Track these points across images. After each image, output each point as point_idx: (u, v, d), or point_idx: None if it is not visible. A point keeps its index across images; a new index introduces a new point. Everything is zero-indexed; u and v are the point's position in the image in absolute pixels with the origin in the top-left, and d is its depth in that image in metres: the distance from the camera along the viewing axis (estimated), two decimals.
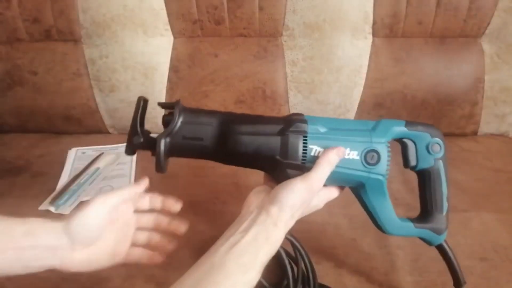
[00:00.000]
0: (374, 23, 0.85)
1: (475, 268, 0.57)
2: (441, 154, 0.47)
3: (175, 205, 0.49)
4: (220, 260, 0.36)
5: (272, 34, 0.87)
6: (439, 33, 0.87)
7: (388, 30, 0.86)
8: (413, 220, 0.49)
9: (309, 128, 0.44)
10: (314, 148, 0.43)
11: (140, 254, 0.48)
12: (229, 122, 0.44)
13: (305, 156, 0.43)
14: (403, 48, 0.88)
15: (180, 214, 0.67)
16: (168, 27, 0.87)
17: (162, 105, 0.46)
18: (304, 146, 0.43)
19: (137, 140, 0.42)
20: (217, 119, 0.44)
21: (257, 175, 0.49)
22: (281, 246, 0.53)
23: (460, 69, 0.89)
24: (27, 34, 0.86)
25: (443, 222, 0.49)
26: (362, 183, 0.45)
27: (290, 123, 0.44)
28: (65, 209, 0.68)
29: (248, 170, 0.46)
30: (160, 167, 0.41)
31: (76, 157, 0.84)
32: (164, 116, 0.44)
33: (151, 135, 0.44)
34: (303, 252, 0.54)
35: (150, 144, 0.42)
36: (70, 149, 0.87)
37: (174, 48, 0.89)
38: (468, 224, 0.65)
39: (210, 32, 0.87)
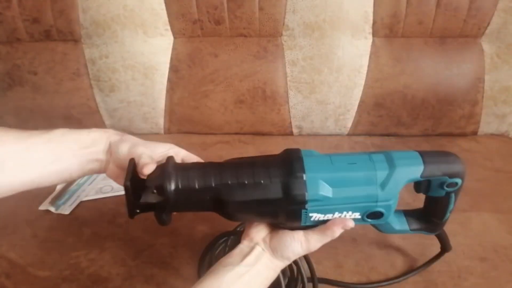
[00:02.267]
0: (374, 23, 0.85)
1: (475, 268, 0.57)
2: (456, 189, 0.44)
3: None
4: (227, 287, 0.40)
5: (272, 34, 0.87)
6: (439, 33, 0.87)
7: (388, 30, 0.86)
8: (409, 219, 0.50)
9: (309, 196, 0.39)
10: (314, 216, 0.41)
11: None
12: (222, 194, 0.40)
13: (305, 224, 0.42)
14: (403, 48, 0.88)
15: (181, 214, 0.68)
16: (168, 27, 0.87)
17: (149, 180, 0.42)
18: (304, 216, 0.41)
19: (135, 213, 0.42)
20: (209, 190, 0.41)
21: None
22: None
23: (460, 69, 0.89)
24: (27, 34, 0.86)
25: (440, 226, 0.50)
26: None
27: (289, 195, 0.39)
28: (65, 209, 0.68)
29: None
30: (165, 224, 0.44)
31: None
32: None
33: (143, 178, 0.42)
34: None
35: (150, 208, 0.42)
36: None
37: (174, 48, 0.89)
38: (468, 224, 0.65)
39: (210, 32, 0.87)
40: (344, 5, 0.82)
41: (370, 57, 0.87)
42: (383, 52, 0.87)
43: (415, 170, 0.41)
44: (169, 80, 0.90)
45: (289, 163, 0.41)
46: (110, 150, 0.47)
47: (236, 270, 0.41)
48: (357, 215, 0.41)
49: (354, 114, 0.92)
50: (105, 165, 0.47)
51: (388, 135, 0.94)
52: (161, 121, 0.94)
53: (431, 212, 0.49)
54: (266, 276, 0.43)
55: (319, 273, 0.54)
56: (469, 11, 0.84)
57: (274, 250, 0.44)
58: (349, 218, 0.42)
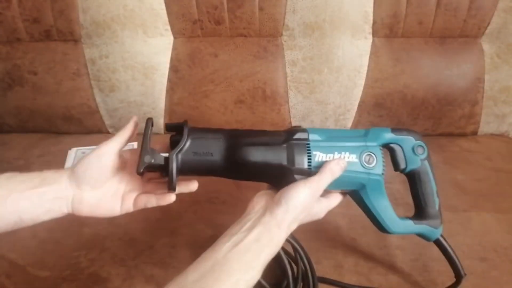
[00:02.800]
0: (374, 23, 0.85)
1: (475, 268, 0.57)
2: (425, 155, 0.51)
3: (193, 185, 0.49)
4: (223, 258, 0.37)
5: (272, 34, 0.87)
6: (439, 33, 0.87)
7: (388, 30, 0.86)
8: (410, 218, 0.52)
9: (310, 136, 0.47)
10: (317, 154, 0.46)
11: (147, 198, 0.47)
12: (236, 136, 0.46)
13: (310, 162, 0.46)
14: (403, 48, 0.88)
15: (181, 214, 0.68)
16: (168, 27, 0.87)
17: (169, 127, 0.48)
18: (308, 153, 0.46)
19: (148, 159, 0.43)
20: (224, 134, 0.46)
21: None
22: (281, 247, 0.53)
23: (460, 69, 0.89)
24: (27, 34, 0.86)
25: (437, 216, 0.52)
26: (363, 184, 0.48)
27: (292, 133, 0.47)
28: None
29: None
30: (172, 185, 0.42)
31: (76, 157, 0.84)
32: (171, 137, 0.47)
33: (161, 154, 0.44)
34: (302, 252, 0.54)
35: (160, 164, 0.43)
36: (70, 149, 0.87)
37: (174, 48, 0.89)
38: (468, 224, 0.65)
39: (210, 32, 0.87)
40: (344, 5, 0.82)
41: (370, 57, 0.88)
42: (383, 52, 0.88)
43: (385, 130, 0.51)
44: (169, 80, 0.90)
45: (291, 129, 0.49)
46: (77, 179, 0.43)
47: (233, 239, 0.39)
48: (354, 157, 0.47)
49: (354, 114, 0.92)
50: (72, 202, 0.43)
51: None
52: (161, 121, 0.94)
53: (420, 200, 0.52)
54: (270, 238, 0.40)
55: (319, 273, 0.54)
56: (469, 11, 0.84)
57: (277, 202, 0.42)
58: (341, 159, 0.46)
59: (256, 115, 0.92)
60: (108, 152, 0.44)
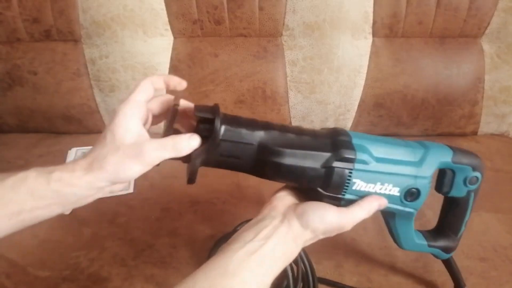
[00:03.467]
0: (374, 23, 0.85)
1: (475, 268, 0.57)
2: (476, 186, 0.47)
3: (181, 83, 0.45)
4: (237, 267, 0.35)
5: (272, 34, 0.87)
6: (439, 33, 0.87)
7: (388, 30, 0.86)
8: (427, 237, 0.50)
9: (357, 159, 0.40)
10: (357, 183, 0.41)
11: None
12: (272, 144, 0.40)
13: (346, 189, 0.41)
14: (403, 48, 0.88)
15: (181, 214, 0.68)
16: (168, 27, 0.87)
17: (199, 110, 0.39)
18: (348, 180, 0.40)
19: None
20: (260, 137, 0.40)
21: None
22: None
23: (460, 69, 0.89)
24: (27, 34, 0.86)
25: (455, 243, 0.50)
26: (394, 213, 0.45)
27: (338, 152, 0.40)
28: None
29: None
30: (192, 181, 0.39)
31: (76, 157, 0.84)
32: (198, 122, 0.40)
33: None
34: (302, 252, 0.54)
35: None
36: (70, 149, 0.87)
37: (174, 48, 0.89)
38: (468, 224, 0.65)
39: (210, 32, 0.87)
40: (344, 5, 0.82)
41: (370, 57, 0.88)
42: (383, 52, 0.87)
43: (446, 154, 0.45)
44: None
45: (336, 132, 0.43)
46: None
47: (248, 247, 0.35)
48: (396, 190, 0.42)
49: (354, 114, 0.92)
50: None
51: (388, 135, 0.93)
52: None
53: (447, 223, 0.50)
54: (284, 251, 0.37)
55: (319, 273, 0.54)
56: (469, 11, 0.84)
57: (300, 216, 0.38)
58: (383, 198, 0.41)
59: (256, 115, 0.90)
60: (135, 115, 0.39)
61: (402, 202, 0.43)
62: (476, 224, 0.65)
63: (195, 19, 0.85)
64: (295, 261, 0.53)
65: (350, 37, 0.85)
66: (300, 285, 0.52)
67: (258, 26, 0.86)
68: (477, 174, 0.46)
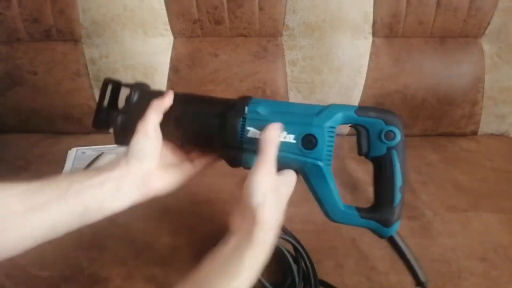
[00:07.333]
0: (374, 23, 0.85)
1: (475, 268, 0.57)
2: (395, 143, 0.44)
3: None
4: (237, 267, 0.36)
5: (272, 34, 0.87)
6: (439, 33, 0.87)
7: (388, 30, 0.86)
8: (360, 209, 0.45)
9: (249, 110, 0.44)
10: (251, 130, 0.43)
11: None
12: (179, 101, 0.48)
13: (241, 137, 0.44)
14: (403, 48, 0.88)
15: (181, 214, 0.68)
16: (168, 27, 0.87)
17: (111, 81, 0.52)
18: (241, 127, 0.44)
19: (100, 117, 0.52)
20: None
21: None
22: (283, 246, 0.53)
23: (460, 69, 0.89)
24: (27, 34, 0.86)
25: (392, 214, 0.44)
26: (301, 167, 0.44)
27: (233, 106, 0.45)
28: None
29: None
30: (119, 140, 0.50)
31: (76, 157, 0.84)
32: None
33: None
34: (303, 252, 0.54)
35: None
36: (70, 149, 0.87)
37: (174, 48, 0.89)
38: (468, 224, 0.65)
39: (210, 32, 0.87)
40: (344, 5, 0.83)
41: (370, 57, 0.88)
42: (383, 52, 0.88)
43: (349, 108, 0.44)
44: (169, 80, 0.90)
45: (241, 97, 0.47)
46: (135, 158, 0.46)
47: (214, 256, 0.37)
48: (292, 137, 0.43)
49: None
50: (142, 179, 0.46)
51: None
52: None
53: (380, 192, 0.45)
54: (248, 239, 0.38)
55: (319, 273, 0.54)
56: (469, 11, 0.84)
57: (243, 206, 0.41)
58: (276, 123, 0.42)
59: None
60: (151, 125, 0.45)
61: (300, 150, 0.43)
62: (476, 224, 0.65)
63: (195, 19, 0.85)
64: (296, 261, 0.53)
65: (350, 37, 0.85)
66: (301, 285, 0.52)
67: (258, 26, 0.86)
68: (392, 128, 0.44)
